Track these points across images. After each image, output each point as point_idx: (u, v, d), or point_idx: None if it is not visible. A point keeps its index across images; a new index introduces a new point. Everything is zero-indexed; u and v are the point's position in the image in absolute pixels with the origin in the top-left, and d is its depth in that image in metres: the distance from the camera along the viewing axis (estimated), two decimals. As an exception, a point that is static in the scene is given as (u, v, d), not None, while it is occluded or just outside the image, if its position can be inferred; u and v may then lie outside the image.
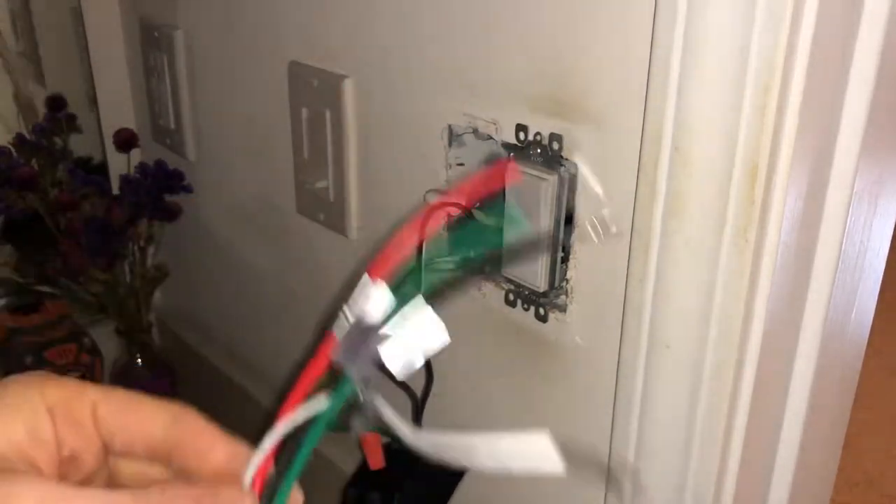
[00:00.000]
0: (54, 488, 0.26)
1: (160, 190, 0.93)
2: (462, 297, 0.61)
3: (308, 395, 0.28)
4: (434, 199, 0.58)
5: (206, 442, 0.29)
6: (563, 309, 0.54)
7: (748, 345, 0.45)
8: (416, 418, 0.62)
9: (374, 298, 0.27)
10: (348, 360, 0.27)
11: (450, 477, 0.62)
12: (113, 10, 0.98)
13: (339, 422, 0.27)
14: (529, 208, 0.52)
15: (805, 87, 0.40)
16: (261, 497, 0.27)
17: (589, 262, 0.52)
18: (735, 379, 0.45)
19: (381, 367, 0.27)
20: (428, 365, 0.61)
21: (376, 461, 0.45)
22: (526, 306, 0.56)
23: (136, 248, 0.96)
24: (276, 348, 0.89)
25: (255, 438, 0.30)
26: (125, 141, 0.97)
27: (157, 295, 1.04)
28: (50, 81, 1.12)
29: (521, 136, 0.52)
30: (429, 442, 0.26)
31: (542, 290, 0.54)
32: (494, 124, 0.54)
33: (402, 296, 0.27)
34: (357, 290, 0.28)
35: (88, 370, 0.96)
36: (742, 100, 0.40)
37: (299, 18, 0.70)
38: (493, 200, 0.28)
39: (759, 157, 0.41)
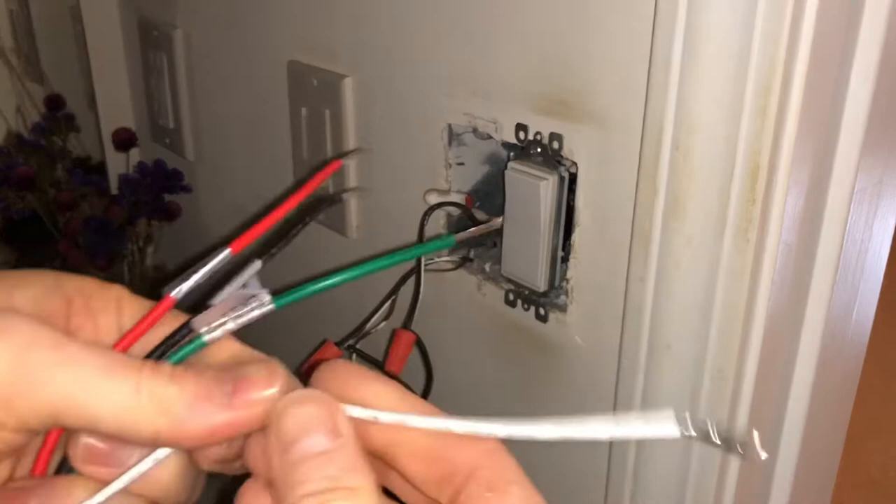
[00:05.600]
0: (48, 331, 0.23)
1: (159, 190, 0.93)
2: (462, 297, 0.61)
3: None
4: (433, 200, 0.58)
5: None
6: (563, 309, 0.54)
7: (749, 345, 0.45)
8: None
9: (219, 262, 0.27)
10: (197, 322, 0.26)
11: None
12: (112, 9, 0.98)
13: None
14: (529, 208, 0.52)
15: (806, 88, 0.40)
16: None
17: (589, 262, 0.51)
18: (736, 379, 0.45)
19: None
20: (428, 364, 0.61)
21: (396, 363, 0.44)
22: (526, 306, 0.56)
23: (135, 247, 0.96)
24: (275, 348, 0.89)
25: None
26: (124, 140, 0.97)
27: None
28: (48, 80, 1.12)
29: (521, 135, 0.52)
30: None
31: (542, 290, 0.54)
32: (494, 124, 0.54)
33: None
34: (215, 262, 0.27)
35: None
36: (743, 100, 0.40)
37: (299, 18, 0.70)
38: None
39: (760, 157, 0.41)
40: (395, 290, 0.61)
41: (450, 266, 0.60)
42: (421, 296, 0.56)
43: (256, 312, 0.26)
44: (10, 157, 0.98)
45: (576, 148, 0.49)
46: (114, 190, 0.98)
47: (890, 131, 0.47)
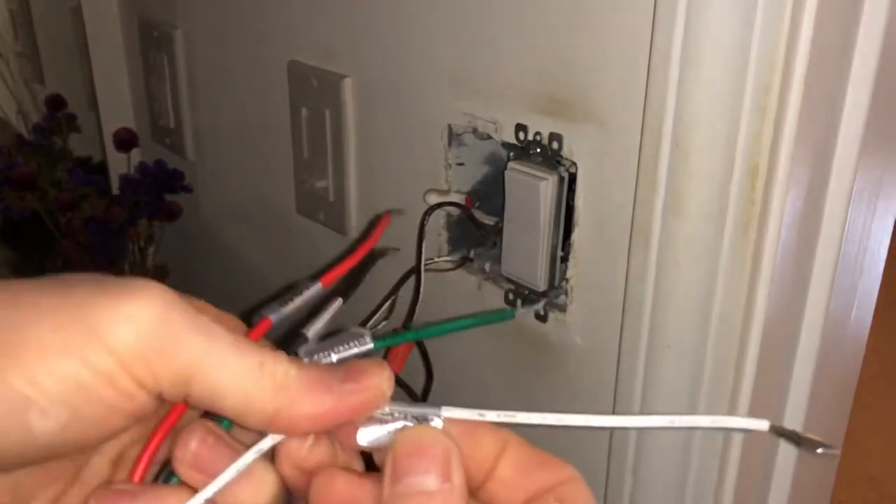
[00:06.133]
0: (184, 301, 0.24)
1: (160, 190, 0.93)
2: (462, 297, 0.61)
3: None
4: (433, 200, 0.58)
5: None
6: (563, 309, 0.54)
7: (748, 344, 0.45)
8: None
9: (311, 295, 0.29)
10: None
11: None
12: (112, 9, 0.98)
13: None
14: (529, 208, 0.52)
15: (805, 87, 0.40)
16: None
17: (589, 262, 0.52)
18: (735, 378, 0.45)
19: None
20: (428, 364, 0.61)
21: (396, 364, 0.46)
22: (526, 306, 0.56)
23: (135, 247, 0.96)
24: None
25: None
26: (125, 140, 0.97)
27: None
28: (49, 81, 1.13)
29: (521, 135, 0.52)
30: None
31: (541, 290, 0.54)
32: (494, 124, 0.54)
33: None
34: (306, 294, 0.30)
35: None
36: (742, 99, 0.40)
37: (299, 18, 0.70)
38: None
39: (760, 157, 0.41)
40: (395, 290, 0.61)
41: (450, 266, 0.61)
42: (421, 296, 0.56)
43: (355, 350, 0.28)
44: (11, 158, 0.98)
45: (575, 148, 0.49)
46: (114, 190, 0.99)
47: (889, 131, 0.47)
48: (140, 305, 0.23)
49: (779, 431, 0.25)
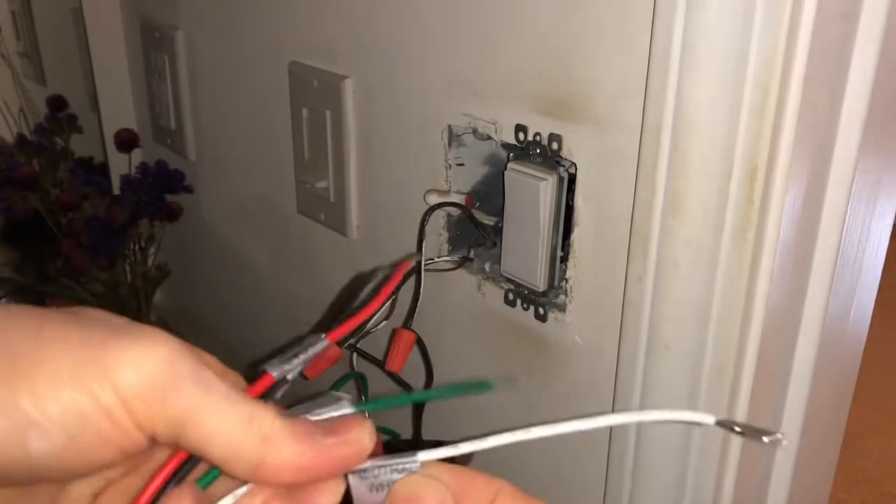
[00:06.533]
0: (188, 351, 0.26)
1: (161, 190, 0.93)
2: (462, 297, 0.61)
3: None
4: (433, 200, 0.58)
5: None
6: (562, 308, 0.54)
7: (747, 344, 0.45)
8: (417, 417, 0.62)
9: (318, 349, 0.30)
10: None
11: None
12: (114, 10, 0.98)
13: None
14: (529, 208, 0.52)
15: (804, 88, 0.40)
16: None
17: (588, 262, 0.52)
18: (734, 377, 0.45)
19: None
20: (428, 364, 0.61)
21: (396, 363, 0.46)
22: (525, 306, 0.56)
23: (136, 247, 0.96)
24: (276, 348, 0.89)
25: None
26: (126, 141, 0.98)
27: (158, 295, 1.04)
28: (51, 82, 1.13)
29: (521, 136, 0.52)
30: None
31: (541, 290, 0.54)
32: (494, 124, 0.54)
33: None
34: (308, 342, 0.30)
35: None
36: (741, 100, 0.40)
37: (299, 18, 0.70)
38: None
39: (759, 157, 0.41)
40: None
41: (450, 266, 0.61)
42: (421, 296, 0.56)
43: (334, 414, 0.28)
44: (13, 158, 0.98)
45: (575, 148, 0.50)
46: (116, 190, 0.99)
47: (888, 131, 0.47)
48: (148, 352, 0.25)
49: (724, 424, 0.26)
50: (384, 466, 0.27)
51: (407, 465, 0.27)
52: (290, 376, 0.29)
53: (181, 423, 0.25)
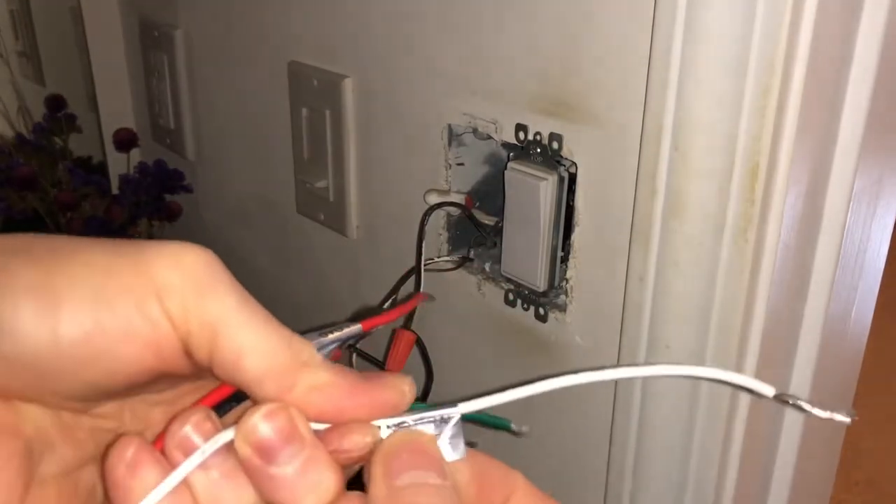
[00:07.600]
0: (224, 267, 0.26)
1: (160, 190, 0.93)
2: (462, 297, 0.61)
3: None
4: (433, 200, 0.58)
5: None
6: (562, 309, 0.54)
7: (748, 344, 0.45)
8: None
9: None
10: None
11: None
12: (113, 9, 0.98)
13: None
14: (529, 208, 0.52)
15: (805, 88, 0.40)
16: None
17: (588, 262, 0.52)
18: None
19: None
20: (428, 364, 0.61)
21: (396, 363, 0.47)
22: (526, 306, 0.56)
23: (136, 247, 0.96)
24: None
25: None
26: (125, 141, 0.97)
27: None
28: (49, 81, 1.13)
29: (521, 135, 0.52)
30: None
31: (541, 290, 0.54)
32: (494, 124, 0.54)
33: None
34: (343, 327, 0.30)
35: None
36: (742, 100, 0.40)
37: (299, 18, 0.70)
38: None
39: (760, 157, 0.41)
40: (395, 289, 0.61)
41: (450, 266, 0.61)
42: (421, 295, 0.56)
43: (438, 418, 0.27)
44: (12, 158, 0.98)
45: (575, 148, 0.50)
46: (115, 190, 0.99)
47: (888, 131, 0.47)
48: (188, 251, 0.25)
49: (782, 398, 0.25)
50: (423, 419, 0.26)
51: (447, 417, 0.26)
52: (324, 352, 0.28)
53: (215, 330, 0.24)
